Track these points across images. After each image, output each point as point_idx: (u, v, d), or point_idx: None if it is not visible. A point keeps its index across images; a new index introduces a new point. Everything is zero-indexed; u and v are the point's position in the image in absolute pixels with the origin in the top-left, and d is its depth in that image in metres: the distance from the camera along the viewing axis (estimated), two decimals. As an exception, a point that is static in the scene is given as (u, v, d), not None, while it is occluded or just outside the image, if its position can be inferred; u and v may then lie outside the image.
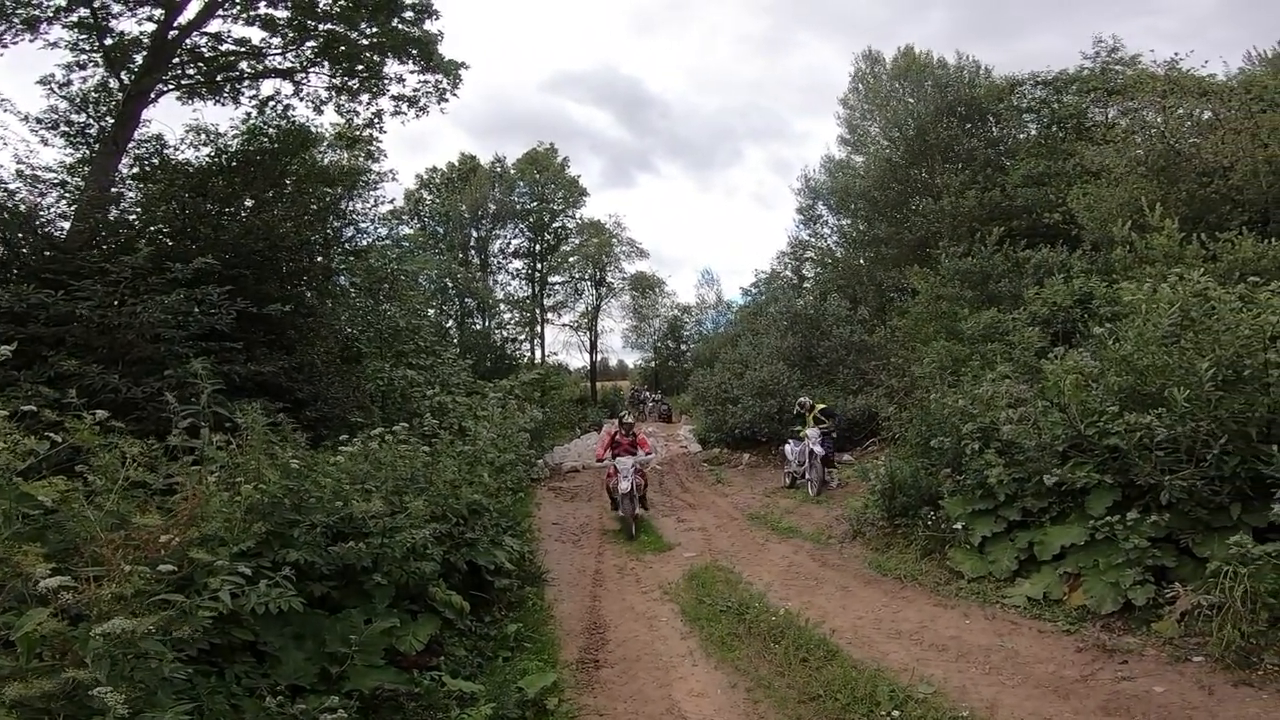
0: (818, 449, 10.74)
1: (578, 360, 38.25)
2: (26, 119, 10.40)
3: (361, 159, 13.88)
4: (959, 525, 5.99)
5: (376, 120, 13.28)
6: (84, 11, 10.49)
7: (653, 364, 37.66)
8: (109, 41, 10.75)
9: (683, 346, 37.09)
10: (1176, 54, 12.84)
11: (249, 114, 11.85)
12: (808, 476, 10.96)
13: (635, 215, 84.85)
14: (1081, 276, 9.70)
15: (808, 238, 25.86)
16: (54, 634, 1.80)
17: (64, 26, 10.61)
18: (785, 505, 10.40)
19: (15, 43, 10.38)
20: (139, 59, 10.90)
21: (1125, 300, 5.99)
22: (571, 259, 36.13)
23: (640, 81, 73.04)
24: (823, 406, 11.91)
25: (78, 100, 11.02)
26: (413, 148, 37.51)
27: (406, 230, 24.88)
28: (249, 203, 9.14)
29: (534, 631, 5.35)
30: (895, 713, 3.67)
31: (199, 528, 2.47)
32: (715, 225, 70.83)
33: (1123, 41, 16.22)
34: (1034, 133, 17.91)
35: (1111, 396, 5.32)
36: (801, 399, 12.50)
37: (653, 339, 37.78)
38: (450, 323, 26.94)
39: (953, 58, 20.21)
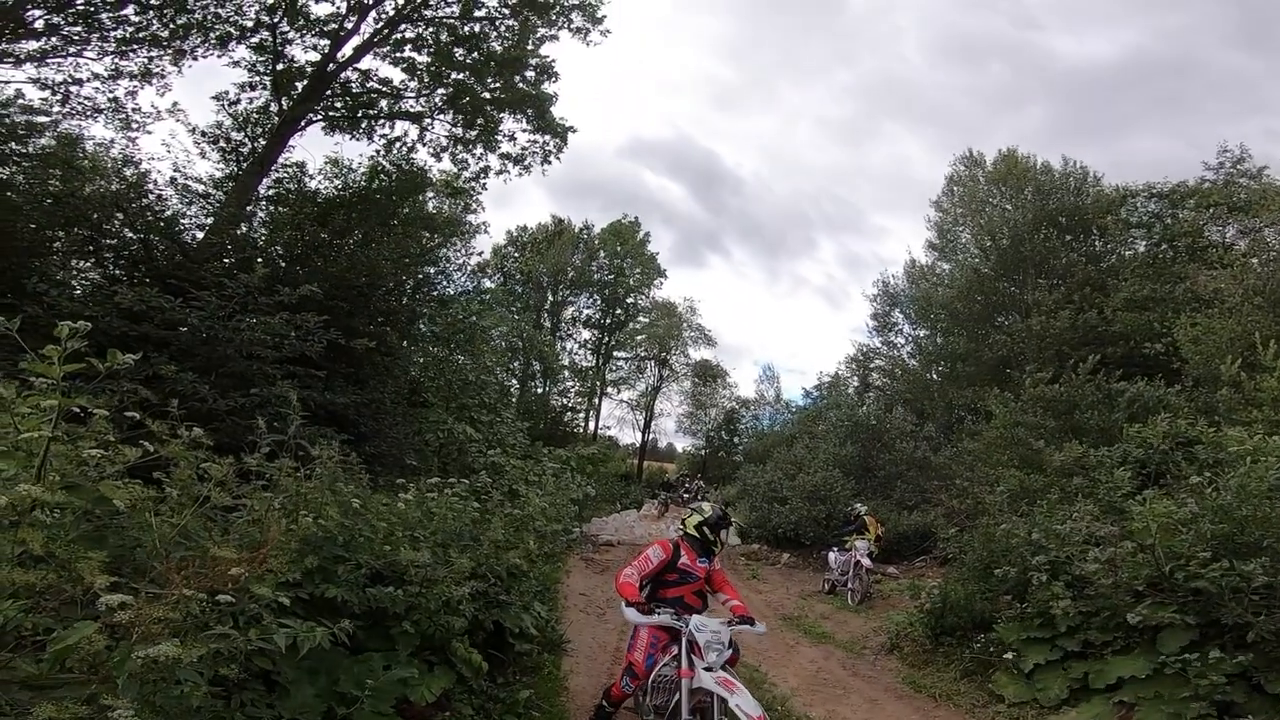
0: (865, 560, 10.60)
1: (629, 436, 38.11)
2: (194, 131, 11.60)
3: (460, 210, 14.72)
4: (1013, 652, 5.89)
5: (484, 174, 14.21)
6: (265, 35, 11.89)
7: (703, 452, 36.96)
8: (280, 67, 12.14)
9: (735, 439, 36.35)
10: (1313, 166, 11.91)
11: (377, 151, 12.90)
12: (850, 585, 10.76)
13: (701, 296, 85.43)
14: (1187, 418, 9.03)
15: (879, 345, 25.29)
16: (94, 650, 1.75)
17: (247, 47, 12.05)
18: (821, 610, 10.18)
19: (205, 57, 11.88)
20: (299, 87, 12.17)
21: (1231, 449, 5.89)
22: (639, 337, 36.56)
23: (716, 155, 74.48)
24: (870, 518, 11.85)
25: (240, 119, 12.31)
26: (496, 202, 39.43)
27: (489, 284, 25.97)
28: (358, 236, 9.71)
29: (545, 701, 5.15)
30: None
31: (269, 565, 2.43)
32: (779, 317, 70.66)
33: (1249, 151, 14.69)
34: (1142, 250, 16.62)
35: (1203, 543, 5.27)
36: (857, 506, 12.38)
37: (707, 428, 37.28)
38: (513, 382, 27.38)
39: (1057, 161, 19.43)
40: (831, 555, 11.59)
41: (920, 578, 10.49)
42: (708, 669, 3.69)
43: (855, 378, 26.64)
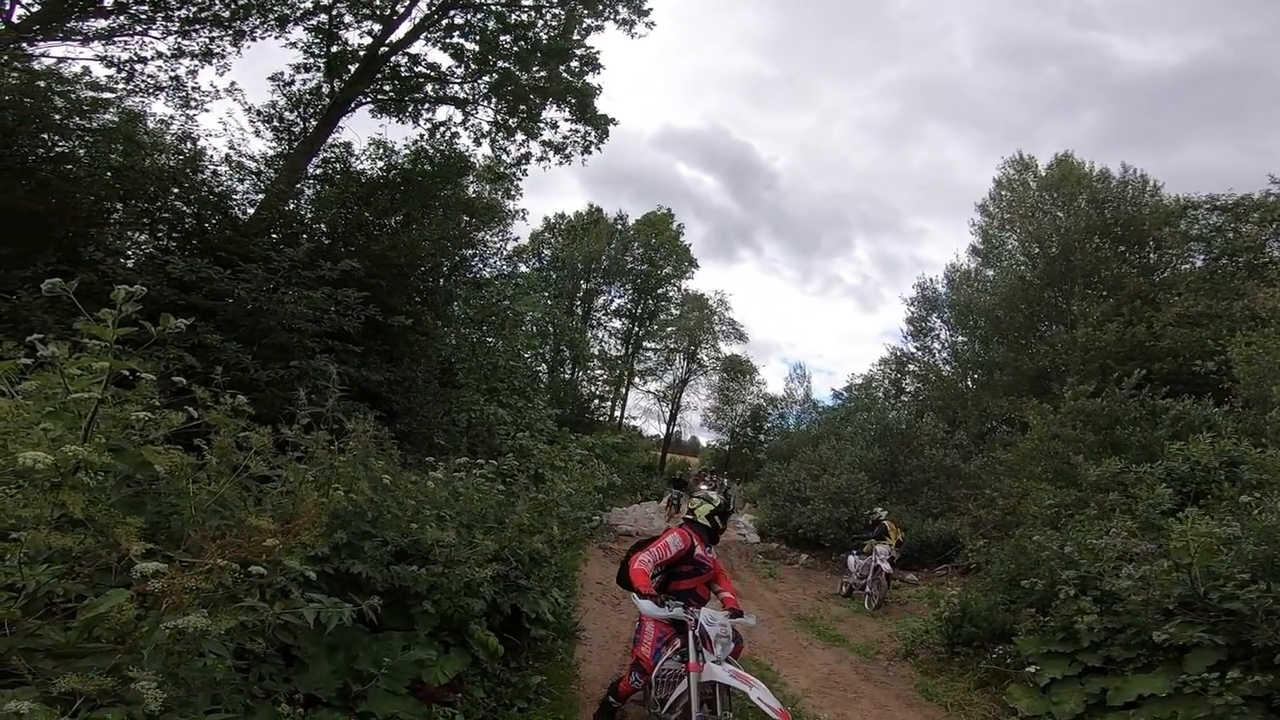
0: (885, 566, 10.56)
1: (654, 428, 38.11)
2: (249, 110, 11.92)
3: (500, 195, 14.83)
4: (1033, 667, 5.82)
5: (525, 160, 14.28)
6: (323, 18, 12.15)
7: (728, 447, 36.79)
8: (334, 49, 12.39)
9: (760, 437, 36.07)
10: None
11: (422, 135, 13.06)
12: (868, 590, 10.74)
13: (731, 291, 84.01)
14: (1232, 439, 8.76)
15: (914, 350, 24.76)
16: (124, 619, 1.75)
17: (305, 29, 12.31)
18: (836, 613, 10.19)
19: (264, 38, 12.17)
20: (351, 69, 12.43)
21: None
22: (670, 329, 36.44)
23: (750, 148, 72.74)
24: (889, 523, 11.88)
25: (294, 99, 12.61)
26: (531, 189, 39.17)
27: (524, 269, 26.13)
28: (399, 217, 9.86)
29: (556, 688, 5.17)
30: None
31: (302, 537, 2.44)
32: (809, 315, 69.59)
33: (1321, 165, 14.30)
34: (1199, 264, 16.03)
35: (1243, 564, 5.16)
36: (878, 510, 12.40)
37: (732, 423, 37.05)
38: (542, 367, 27.52)
39: (1115, 167, 18.83)
40: (850, 559, 11.57)
41: (940, 586, 10.45)
42: (716, 662, 3.62)
43: (887, 380, 26.19)
